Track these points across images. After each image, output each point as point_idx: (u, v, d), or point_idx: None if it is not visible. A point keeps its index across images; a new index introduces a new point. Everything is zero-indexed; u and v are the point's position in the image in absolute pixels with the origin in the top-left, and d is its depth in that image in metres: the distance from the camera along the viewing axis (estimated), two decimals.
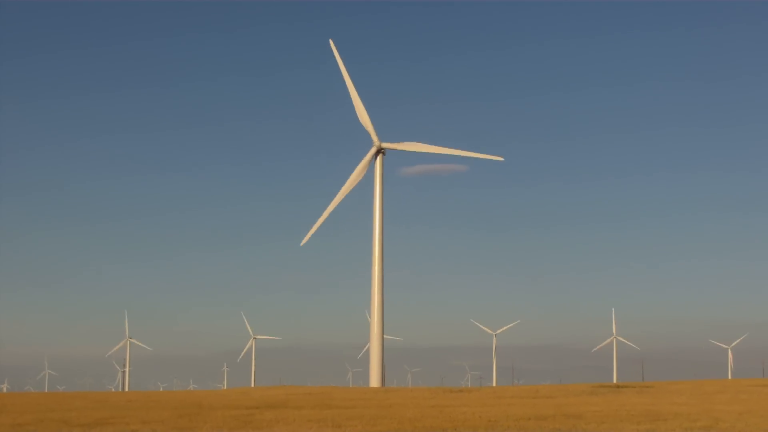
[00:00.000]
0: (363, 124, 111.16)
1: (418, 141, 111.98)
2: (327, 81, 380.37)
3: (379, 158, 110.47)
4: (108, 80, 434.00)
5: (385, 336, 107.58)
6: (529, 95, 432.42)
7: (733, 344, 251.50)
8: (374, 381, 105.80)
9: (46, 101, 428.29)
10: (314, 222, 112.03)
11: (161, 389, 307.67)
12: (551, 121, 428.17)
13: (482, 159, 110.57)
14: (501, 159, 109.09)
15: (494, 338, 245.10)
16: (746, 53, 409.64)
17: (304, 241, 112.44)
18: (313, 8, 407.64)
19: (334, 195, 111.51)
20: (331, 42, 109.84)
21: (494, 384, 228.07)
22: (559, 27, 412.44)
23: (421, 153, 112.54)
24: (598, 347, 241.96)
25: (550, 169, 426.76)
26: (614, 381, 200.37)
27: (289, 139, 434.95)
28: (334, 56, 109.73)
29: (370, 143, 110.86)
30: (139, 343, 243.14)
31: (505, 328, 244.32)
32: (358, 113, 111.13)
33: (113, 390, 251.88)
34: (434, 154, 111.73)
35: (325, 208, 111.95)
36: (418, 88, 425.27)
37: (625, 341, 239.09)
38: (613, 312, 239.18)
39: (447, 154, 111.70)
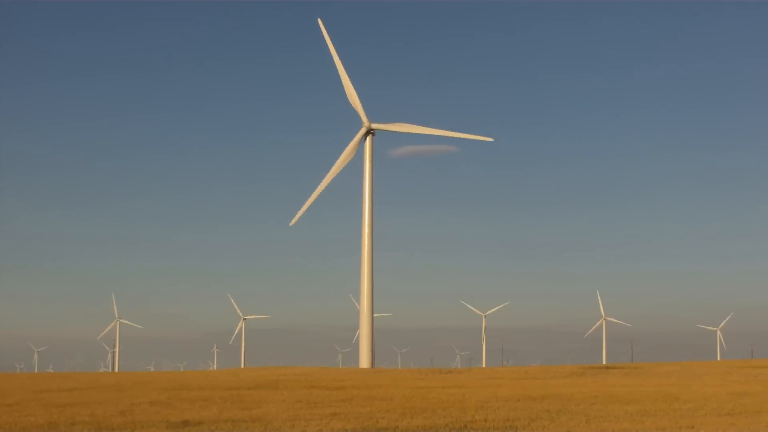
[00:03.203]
0: (352, 104, 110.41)
1: (408, 122, 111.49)
2: (316, 61, 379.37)
3: (368, 139, 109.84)
4: (90, 66, 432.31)
5: (375, 315, 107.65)
6: (519, 78, 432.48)
7: (722, 325, 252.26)
8: (364, 362, 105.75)
9: (27, 86, 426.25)
10: (303, 202, 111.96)
11: (152, 370, 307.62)
12: (541, 103, 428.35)
13: (472, 140, 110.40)
14: (491, 139, 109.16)
15: (484, 319, 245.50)
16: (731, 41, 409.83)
17: (293, 222, 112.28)
18: None
19: (323, 176, 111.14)
20: (319, 21, 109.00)
21: (484, 365, 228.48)
22: (550, 9, 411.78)
23: (412, 134, 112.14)
24: (589, 332, 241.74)
25: (541, 151, 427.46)
26: (603, 362, 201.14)
27: (278, 120, 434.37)
28: (323, 36, 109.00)
29: (360, 124, 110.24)
30: (129, 323, 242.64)
31: (494, 309, 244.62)
32: (347, 93, 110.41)
33: (104, 371, 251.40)
34: (424, 134, 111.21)
35: (314, 189, 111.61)
36: (409, 70, 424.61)
37: (615, 321, 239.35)
38: (598, 294, 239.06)
39: (437, 135, 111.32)
